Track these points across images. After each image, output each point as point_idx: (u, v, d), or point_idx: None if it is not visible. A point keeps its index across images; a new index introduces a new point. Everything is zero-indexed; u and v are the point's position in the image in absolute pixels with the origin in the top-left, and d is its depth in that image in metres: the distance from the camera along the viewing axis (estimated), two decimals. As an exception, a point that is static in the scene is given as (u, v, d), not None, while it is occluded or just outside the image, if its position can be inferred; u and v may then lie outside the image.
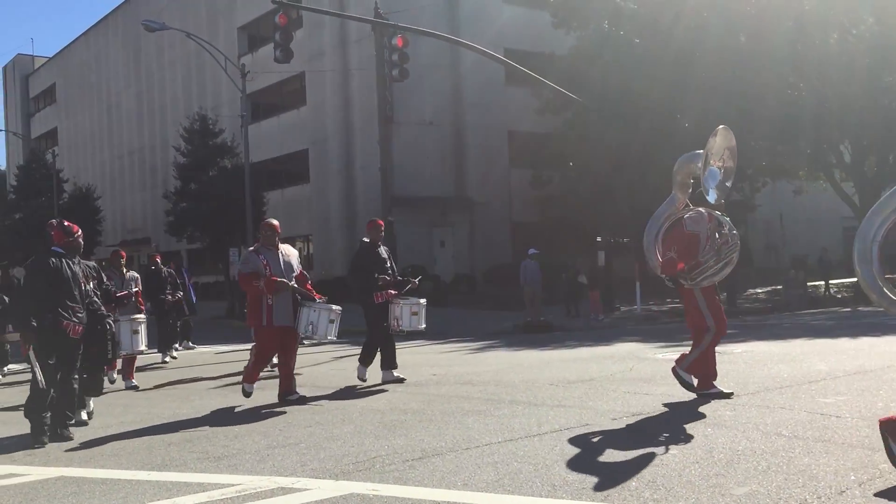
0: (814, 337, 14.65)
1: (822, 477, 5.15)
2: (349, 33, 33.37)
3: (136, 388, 11.23)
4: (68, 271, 7.77)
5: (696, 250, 7.92)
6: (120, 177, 52.61)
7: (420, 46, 27.32)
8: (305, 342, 9.86)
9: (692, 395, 8.23)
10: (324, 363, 13.77)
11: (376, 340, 10.44)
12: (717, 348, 8.36)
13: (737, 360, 11.23)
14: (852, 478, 5.11)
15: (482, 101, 33.30)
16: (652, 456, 5.91)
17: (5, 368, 13.57)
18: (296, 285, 9.30)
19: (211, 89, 42.03)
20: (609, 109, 25.85)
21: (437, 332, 16.27)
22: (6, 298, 13.92)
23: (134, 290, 11.08)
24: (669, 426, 6.89)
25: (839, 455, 5.66)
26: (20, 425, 8.68)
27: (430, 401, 8.89)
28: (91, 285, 8.18)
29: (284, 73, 31.97)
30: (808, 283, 28.22)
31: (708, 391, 8.13)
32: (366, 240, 10.62)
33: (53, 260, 7.75)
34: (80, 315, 7.78)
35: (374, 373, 10.91)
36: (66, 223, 8.06)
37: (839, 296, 27.02)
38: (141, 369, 12.99)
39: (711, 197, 7.86)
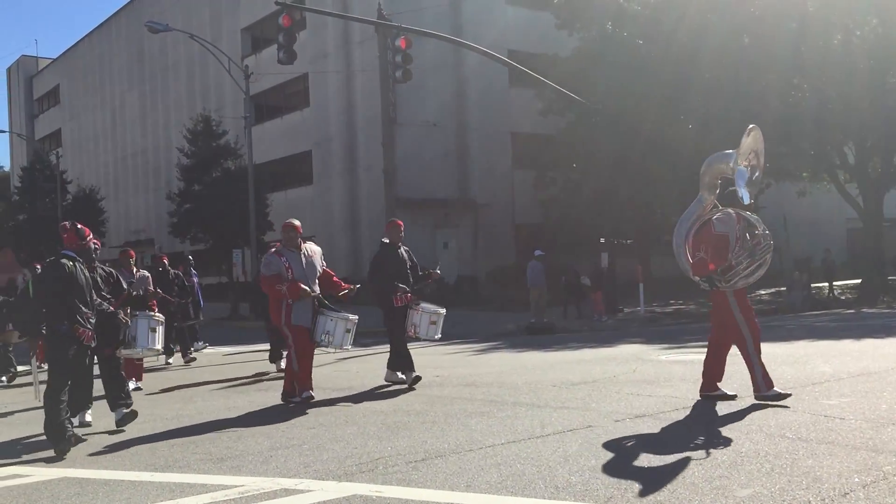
0: (817, 338, 14.62)
1: (826, 479, 5.13)
2: (352, 34, 33.39)
3: (139, 389, 11.23)
4: (82, 277, 7.60)
5: (725, 251, 7.81)
6: (123, 178, 52.68)
7: (423, 48, 27.32)
8: (318, 350, 9.69)
9: (695, 398, 8.23)
10: (327, 364, 13.76)
11: (401, 342, 10.21)
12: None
13: (739, 361, 11.14)
14: (856, 480, 5.09)
15: (485, 102, 33.29)
16: (655, 457, 5.90)
17: (11, 370, 13.55)
18: (318, 290, 9.17)
19: (214, 91, 42.08)
20: (612, 110, 25.87)
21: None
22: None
23: (150, 289, 10.97)
24: (672, 428, 6.88)
25: (843, 457, 5.65)
26: (23, 427, 8.70)
27: (433, 402, 8.89)
28: (104, 291, 8.13)
29: (288, 74, 32.00)
30: (812, 285, 28.20)
31: (711, 393, 8.11)
32: (385, 241, 10.41)
33: (69, 264, 7.56)
34: (91, 321, 7.65)
35: (377, 373, 10.92)
36: (79, 226, 7.85)
37: (843, 297, 26.99)
38: (148, 370, 12.98)
39: (745, 198, 7.82)
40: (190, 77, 44.93)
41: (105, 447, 7.37)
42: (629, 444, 6.36)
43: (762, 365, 7.90)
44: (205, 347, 17.17)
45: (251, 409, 9.13)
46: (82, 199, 46.51)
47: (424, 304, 10.41)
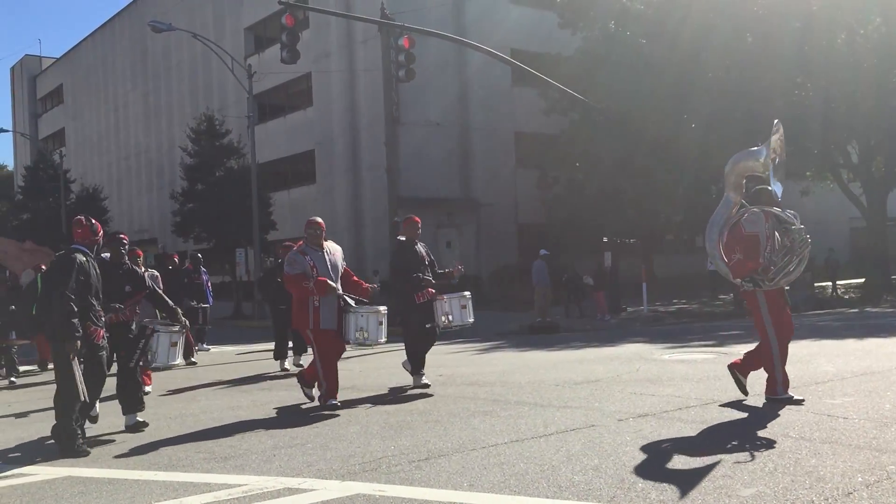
0: (821, 338, 14.59)
1: (830, 478, 5.13)
2: (356, 34, 33.40)
3: (147, 393, 11.22)
4: (94, 273, 7.46)
5: (757, 251, 7.73)
6: (127, 177, 52.75)
7: (427, 47, 27.33)
8: (354, 347, 9.31)
9: (698, 397, 8.22)
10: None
11: (416, 343, 10.09)
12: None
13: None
14: (859, 479, 5.09)
15: (489, 101, 33.29)
16: (658, 457, 5.90)
17: (12, 378, 13.58)
18: (341, 288, 8.98)
19: (217, 90, 42.12)
20: (615, 110, 25.83)
21: (442, 332, 16.22)
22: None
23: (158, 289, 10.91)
24: (676, 427, 6.88)
25: (846, 457, 5.64)
26: (27, 426, 8.72)
27: (436, 401, 8.89)
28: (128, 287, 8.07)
29: (291, 73, 32.00)
30: (815, 284, 28.16)
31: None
32: (401, 238, 10.27)
33: (83, 259, 7.37)
34: (102, 319, 7.56)
35: (379, 372, 10.92)
36: (94, 221, 7.69)
37: (846, 296, 26.95)
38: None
39: (778, 189, 7.80)
40: (193, 76, 44.97)
41: (109, 446, 7.38)
42: (632, 443, 6.35)
43: (784, 371, 7.80)
44: (208, 350, 17.18)
45: (254, 409, 9.14)
46: (85, 198, 46.52)
47: (448, 294, 10.16)
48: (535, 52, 30.45)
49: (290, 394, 10.26)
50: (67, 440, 7.04)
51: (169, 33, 32.30)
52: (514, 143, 34.49)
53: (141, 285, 8.42)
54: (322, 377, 8.83)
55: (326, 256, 8.97)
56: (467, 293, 10.37)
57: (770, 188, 7.92)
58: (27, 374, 14.48)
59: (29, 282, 10.23)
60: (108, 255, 8.53)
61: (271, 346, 13.53)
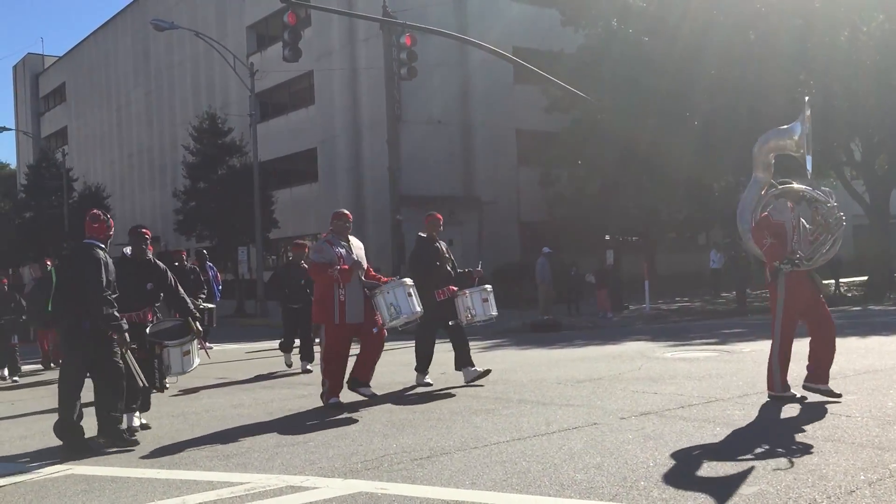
0: (823, 336, 14.55)
1: (832, 476, 5.13)
2: (357, 32, 33.38)
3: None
4: (112, 268, 7.35)
5: (785, 239, 7.79)
6: (129, 175, 52.77)
7: (428, 45, 27.30)
8: (395, 327, 9.00)
9: (700, 395, 8.22)
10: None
11: (427, 341, 10.03)
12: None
13: (745, 359, 11.19)
14: (862, 477, 5.09)
15: (490, 99, 33.26)
16: (660, 455, 5.90)
17: (15, 378, 13.60)
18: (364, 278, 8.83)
19: (220, 88, 42.11)
20: (617, 107, 25.80)
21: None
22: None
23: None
24: (678, 425, 6.88)
25: (849, 454, 5.64)
26: (30, 424, 8.74)
27: (438, 399, 8.91)
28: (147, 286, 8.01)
29: (293, 71, 31.99)
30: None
31: (817, 386, 7.84)
32: (422, 235, 10.16)
33: (102, 254, 7.22)
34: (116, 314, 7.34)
35: (380, 370, 10.91)
36: (108, 216, 7.57)
37: (849, 294, 26.90)
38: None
39: (809, 164, 7.82)
40: (195, 75, 44.97)
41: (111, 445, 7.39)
42: (634, 441, 6.35)
43: (782, 370, 7.79)
44: (211, 348, 17.16)
45: (257, 407, 9.15)
46: (88, 196, 46.56)
47: (469, 289, 10.06)
48: (536, 50, 30.40)
49: (293, 392, 10.29)
50: (69, 435, 7.04)
51: (171, 32, 32.30)
52: (515, 140, 34.44)
53: (163, 283, 8.24)
54: (325, 374, 8.81)
55: (353, 250, 8.91)
56: (488, 286, 10.22)
57: (794, 185, 7.91)
58: (28, 374, 14.49)
59: (41, 277, 9.92)
60: (128, 249, 8.31)
61: (276, 343, 13.58)
